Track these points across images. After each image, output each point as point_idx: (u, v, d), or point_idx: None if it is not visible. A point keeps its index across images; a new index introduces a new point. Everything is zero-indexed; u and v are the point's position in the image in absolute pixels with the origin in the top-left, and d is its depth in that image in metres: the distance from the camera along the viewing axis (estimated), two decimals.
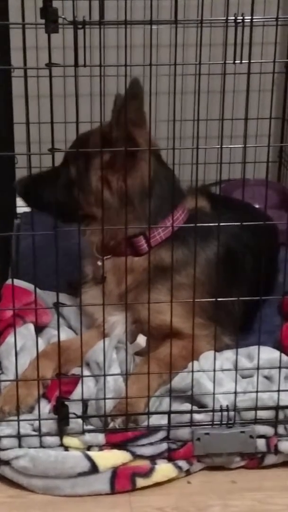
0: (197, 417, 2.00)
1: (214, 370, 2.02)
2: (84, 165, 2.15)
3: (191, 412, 2.00)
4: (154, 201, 2.18)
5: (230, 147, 1.99)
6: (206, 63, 1.84)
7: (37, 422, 1.97)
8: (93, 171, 2.16)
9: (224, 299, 2.03)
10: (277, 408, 2.01)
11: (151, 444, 1.98)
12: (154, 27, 1.72)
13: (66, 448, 1.96)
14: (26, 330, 2.31)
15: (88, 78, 2.71)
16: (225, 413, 1.99)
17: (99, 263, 2.26)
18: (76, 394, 2.05)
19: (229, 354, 2.22)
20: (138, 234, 2.22)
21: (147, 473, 1.94)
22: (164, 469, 1.96)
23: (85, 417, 1.99)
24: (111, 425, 1.98)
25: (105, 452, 1.96)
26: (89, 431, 1.97)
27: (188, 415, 2.00)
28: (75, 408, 1.97)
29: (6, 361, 2.18)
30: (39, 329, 2.33)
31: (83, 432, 1.97)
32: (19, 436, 1.94)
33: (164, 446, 1.99)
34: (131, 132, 2.02)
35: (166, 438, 1.99)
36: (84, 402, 2.02)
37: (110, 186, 2.14)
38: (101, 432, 1.97)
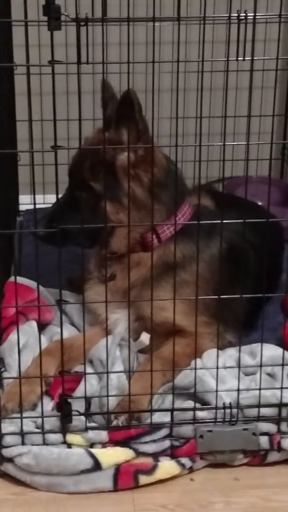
0: (200, 414, 2.00)
1: (217, 368, 2.02)
2: (108, 175, 2.13)
3: (194, 409, 2.00)
4: (170, 193, 2.18)
5: (233, 144, 1.97)
6: (208, 60, 1.83)
7: (40, 419, 1.97)
8: (122, 175, 2.14)
9: (227, 296, 2.02)
10: (280, 405, 2.01)
11: (154, 441, 1.98)
12: (156, 24, 1.71)
13: (69, 446, 1.96)
14: (29, 327, 2.31)
15: (90, 76, 2.70)
16: (228, 411, 1.99)
17: (108, 262, 2.25)
18: (79, 391, 2.05)
19: (232, 352, 2.22)
20: (148, 230, 2.22)
21: (150, 470, 1.94)
22: (167, 466, 1.96)
23: (88, 414, 1.99)
24: (114, 422, 1.98)
25: (108, 450, 1.96)
26: (92, 428, 1.97)
27: (191, 413, 2.00)
28: (78, 405, 1.97)
29: (9, 359, 2.18)
30: (42, 326, 2.34)
31: (86, 429, 1.97)
32: (22, 434, 1.95)
33: (167, 443, 1.99)
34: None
35: (169, 436, 2.00)
36: (87, 400, 2.02)
37: (142, 181, 2.15)
38: (104, 430, 1.97)
